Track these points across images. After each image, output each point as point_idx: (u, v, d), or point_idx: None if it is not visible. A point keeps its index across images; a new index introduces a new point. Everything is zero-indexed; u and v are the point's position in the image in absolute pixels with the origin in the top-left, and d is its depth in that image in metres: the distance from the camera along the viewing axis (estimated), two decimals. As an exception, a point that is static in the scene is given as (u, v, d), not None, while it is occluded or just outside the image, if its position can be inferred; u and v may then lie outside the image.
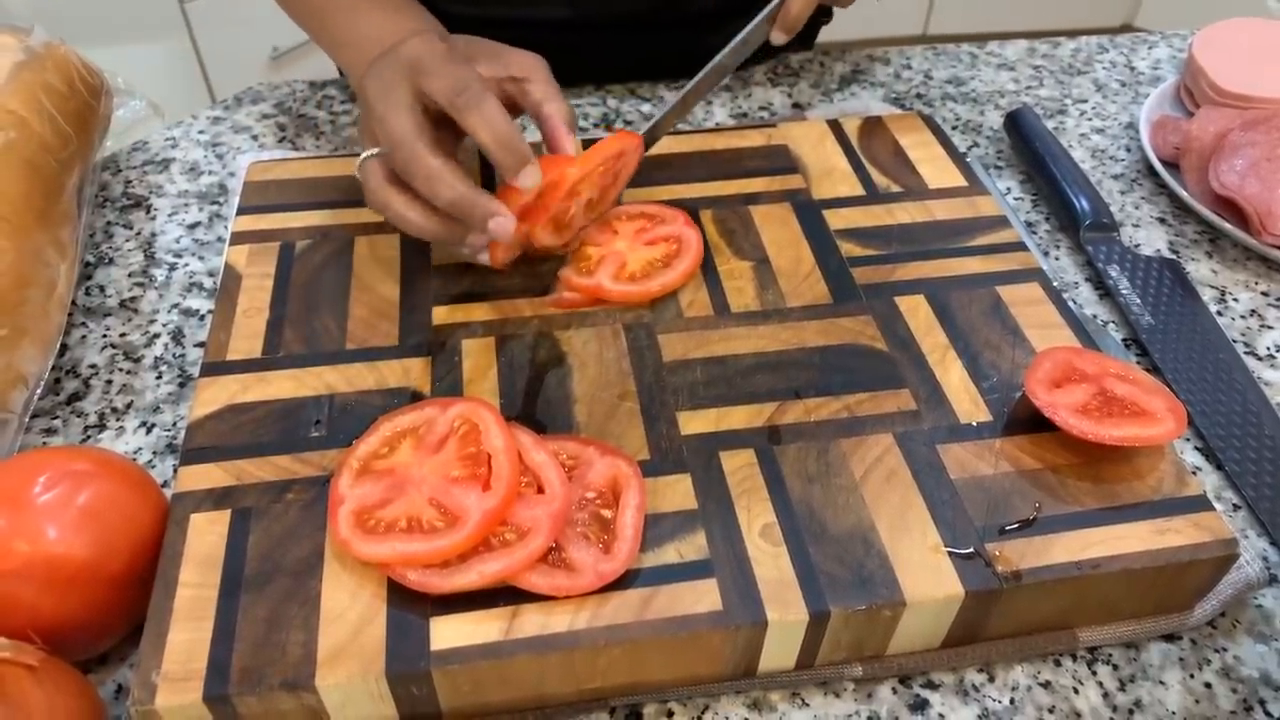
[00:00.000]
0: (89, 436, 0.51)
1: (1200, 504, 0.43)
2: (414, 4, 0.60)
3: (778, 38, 0.58)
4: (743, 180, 0.61)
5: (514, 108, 0.53)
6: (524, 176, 0.48)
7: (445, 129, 0.50)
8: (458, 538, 0.39)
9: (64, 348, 0.56)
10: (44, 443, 0.51)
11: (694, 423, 0.46)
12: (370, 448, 0.43)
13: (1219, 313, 0.59)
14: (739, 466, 0.44)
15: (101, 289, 0.60)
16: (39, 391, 0.51)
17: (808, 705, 0.42)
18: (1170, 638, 0.44)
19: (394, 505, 0.41)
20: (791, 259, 0.55)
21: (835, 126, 0.65)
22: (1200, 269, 0.63)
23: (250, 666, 0.37)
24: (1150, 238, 0.65)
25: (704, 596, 0.39)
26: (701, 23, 0.77)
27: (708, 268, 0.55)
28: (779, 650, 0.41)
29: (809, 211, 0.58)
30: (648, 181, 0.60)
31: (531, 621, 0.38)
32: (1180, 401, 0.45)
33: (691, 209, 0.58)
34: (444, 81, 0.47)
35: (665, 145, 0.63)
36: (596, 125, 0.73)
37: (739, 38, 0.56)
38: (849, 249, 0.56)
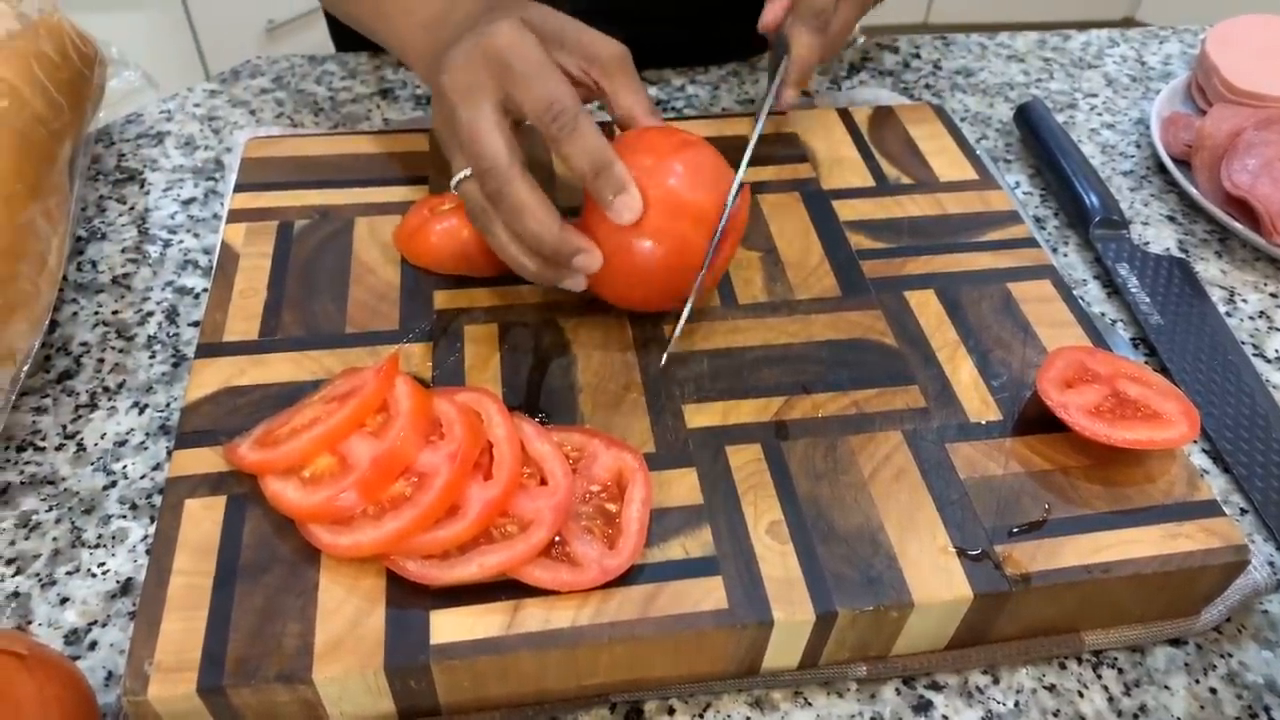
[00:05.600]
0: (80, 415, 0.50)
1: (1212, 509, 0.43)
2: None
3: (790, 96, 0.57)
4: (751, 168, 0.59)
5: (588, 96, 0.49)
6: (622, 208, 0.43)
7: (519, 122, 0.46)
8: (458, 527, 0.39)
9: (54, 324, 0.55)
10: (33, 421, 0.50)
11: (700, 416, 0.45)
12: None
13: (1228, 313, 0.59)
14: (746, 462, 0.43)
15: (94, 264, 0.58)
16: (27, 368, 0.49)
17: (810, 705, 0.41)
18: (1176, 642, 0.44)
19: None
20: (800, 250, 0.54)
21: (845, 115, 0.64)
22: (1209, 269, 0.62)
23: (245, 658, 0.36)
24: (1159, 236, 0.64)
25: (709, 594, 0.39)
26: (703, 15, 0.76)
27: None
28: (783, 649, 0.40)
29: (818, 201, 0.58)
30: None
31: (533, 616, 0.38)
32: (1193, 405, 0.45)
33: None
34: (537, 98, 0.43)
35: (672, 130, 0.62)
36: (603, 108, 0.72)
37: (760, 122, 0.54)
38: (858, 241, 0.55)
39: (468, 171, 0.46)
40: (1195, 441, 0.52)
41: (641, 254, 0.45)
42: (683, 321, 0.46)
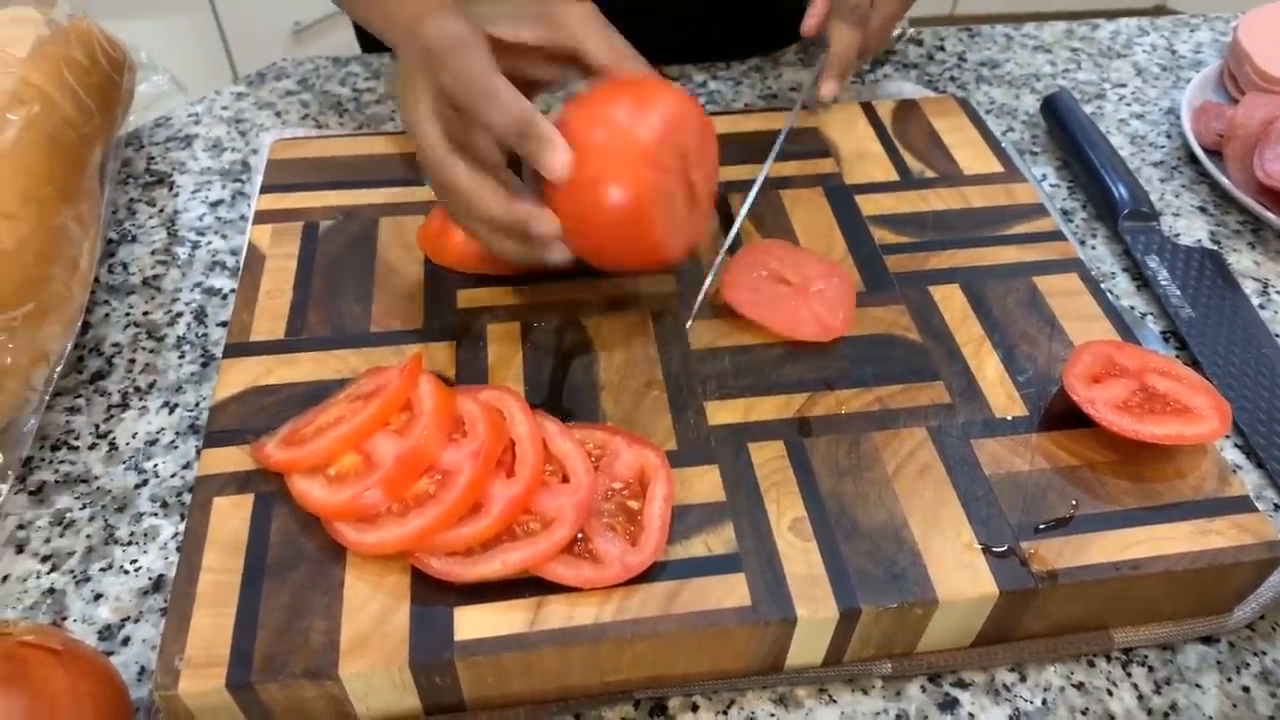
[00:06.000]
0: (112, 415, 0.51)
1: (1243, 505, 0.42)
2: None
3: (827, 91, 0.58)
4: (774, 163, 0.59)
5: (562, 58, 0.48)
6: (551, 164, 0.42)
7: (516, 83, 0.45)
8: (481, 524, 0.39)
9: (86, 325, 0.56)
10: (67, 420, 0.51)
11: (722, 413, 0.45)
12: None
13: (1261, 306, 0.58)
14: (768, 459, 0.43)
15: (125, 266, 0.59)
16: (61, 369, 0.50)
17: (835, 702, 0.41)
18: (1208, 640, 0.43)
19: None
20: (823, 245, 0.54)
21: (869, 109, 0.64)
22: (1242, 260, 0.61)
23: (273, 654, 0.37)
24: (1191, 227, 0.63)
25: (732, 591, 0.39)
26: (725, 10, 0.76)
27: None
28: (807, 646, 0.40)
29: (841, 196, 0.57)
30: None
31: (557, 613, 0.38)
32: (1224, 399, 0.44)
33: (721, 192, 0.57)
34: (453, 75, 0.43)
35: (694, 127, 0.62)
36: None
37: (793, 113, 0.55)
38: (882, 235, 0.55)
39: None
40: (1227, 436, 0.51)
41: (603, 206, 0.43)
42: (709, 280, 0.46)
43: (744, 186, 0.58)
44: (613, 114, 0.44)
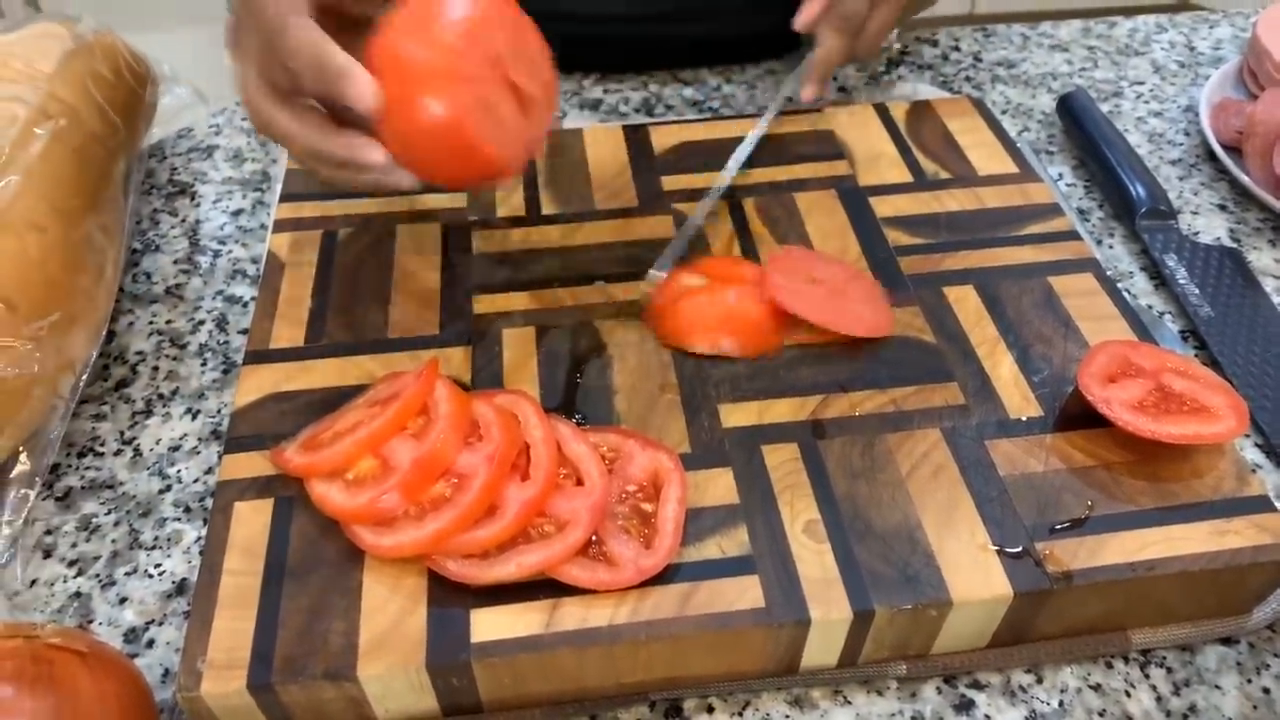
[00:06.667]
0: (136, 422, 0.52)
1: (1262, 504, 0.42)
2: None
3: (808, 93, 0.59)
4: (787, 166, 0.59)
5: None
6: (356, 97, 0.41)
7: (342, 27, 0.44)
8: (497, 527, 0.39)
9: (111, 334, 0.57)
10: (93, 427, 0.52)
11: (736, 415, 0.45)
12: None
13: (1282, 304, 0.57)
14: (782, 461, 0.43)
15: (148, 276, 0.60)
16: (86, 377, 0.51)
17: (850, 703, 0.41)
18: (1227, 641, 0.43)
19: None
20: (837, 248, 0.54)
21: (882, 111, 0.64)
22: (1262, 258, 0.60)
23: (293, 656, 0.37)
24: (1210, 225, 0.63)
25: (746, 593, 0.39)
26: (737, 13, 0.76)
27: (750, 256, 0.54)
28: (821, 648, 0.40)
29: (855, 198, 0.57)
30: (687, 169, 0.59)
31: (572, 615, 0.38)
32: (1242, 398, 0.44)
33: (734, 196, 0.57)
34: (256, 25, 0.43)
35: (705, 131, 0.62)
36: (638, 110, 0.72)
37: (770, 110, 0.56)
38: (896, 237, 0.55)
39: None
40: (1248, 436, 0.51)
41: (422, 129, 0.42)
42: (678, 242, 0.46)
43: (756, 190, 0.58)
44: (411, 31, 0.42)
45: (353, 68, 0.41)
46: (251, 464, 0.44)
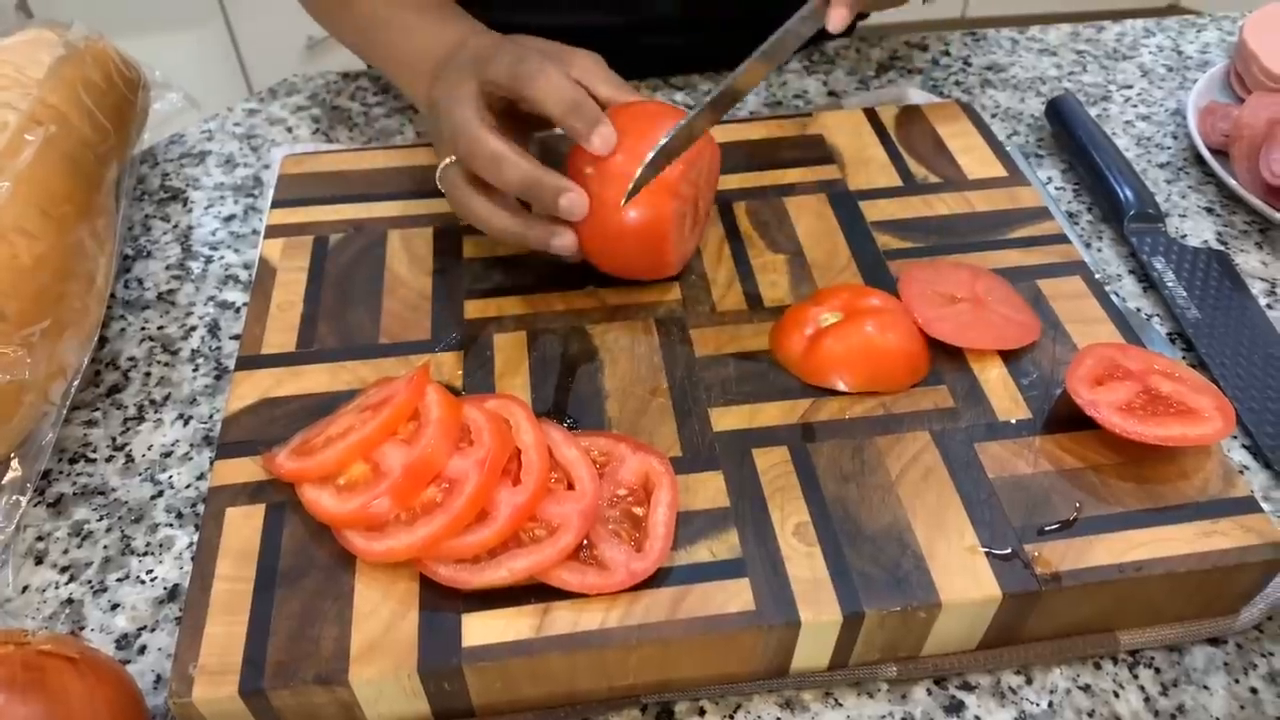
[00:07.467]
0: (128, 428, 0.52)
1: (1248, 505, 0.42)
2: (462, 14, 0.59)
3: (839, 15, 0.49)
4: (777, 171, 0.60)
5: None
6: (597, 139, 0.46)
7: (514, 122, 0.50)
8: (488, 532, 0.39)
9: (103, 340, 0.57)
10: (84, 433, 0.52)
11: (726, 419, 0.46)
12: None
13: (1269, 306, 0.58)
14: (772, 464, 0.44)
15: (140, 281, 0.60)
16: (77, 383, 0.51)
17: (841, 705, 0.42)
18: (1215, 641, 0.43)
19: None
20: (827, 251, 0.54)
21: (872, 115, 0.64)
22: (1249, 260, 0.61)
23: (285, 661, 0.37)
24: (1197, 228, 0.63)
25: (736, 596, 0.39)
26: (736, 23, 0.76)
27: (740, 261, 0.54)
28: (812, 650, 0.40)
29: (845, 202, 0.58)
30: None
31: (563, 619, 0.38)
32: (1228, 400, 0.44)
33: (724, 201, 0.57)
34: (502, 62, 0.48)
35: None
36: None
37: (778, 33, 0.50)
38: (885, 241, 0.55)
39: (451, 159, 0.49)
40: (1235, 437, 0.51)
41: (625, 224, 0.47)
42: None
43: (746, 194, 0.58)
44: (643, 142, 0.46)
45: (566, 185, 0.46)
46: (243, 469, 0.44)
